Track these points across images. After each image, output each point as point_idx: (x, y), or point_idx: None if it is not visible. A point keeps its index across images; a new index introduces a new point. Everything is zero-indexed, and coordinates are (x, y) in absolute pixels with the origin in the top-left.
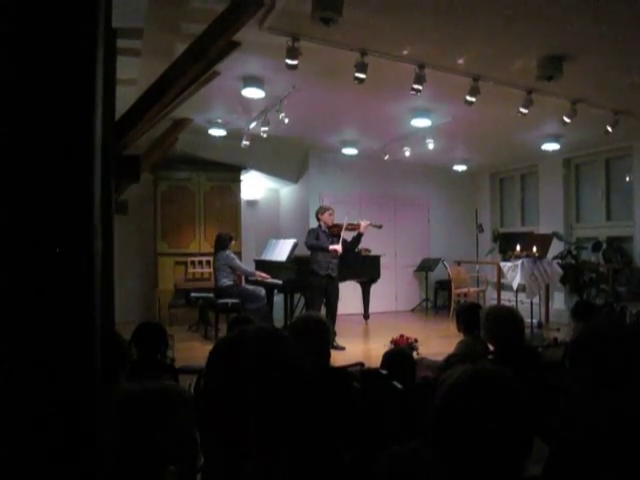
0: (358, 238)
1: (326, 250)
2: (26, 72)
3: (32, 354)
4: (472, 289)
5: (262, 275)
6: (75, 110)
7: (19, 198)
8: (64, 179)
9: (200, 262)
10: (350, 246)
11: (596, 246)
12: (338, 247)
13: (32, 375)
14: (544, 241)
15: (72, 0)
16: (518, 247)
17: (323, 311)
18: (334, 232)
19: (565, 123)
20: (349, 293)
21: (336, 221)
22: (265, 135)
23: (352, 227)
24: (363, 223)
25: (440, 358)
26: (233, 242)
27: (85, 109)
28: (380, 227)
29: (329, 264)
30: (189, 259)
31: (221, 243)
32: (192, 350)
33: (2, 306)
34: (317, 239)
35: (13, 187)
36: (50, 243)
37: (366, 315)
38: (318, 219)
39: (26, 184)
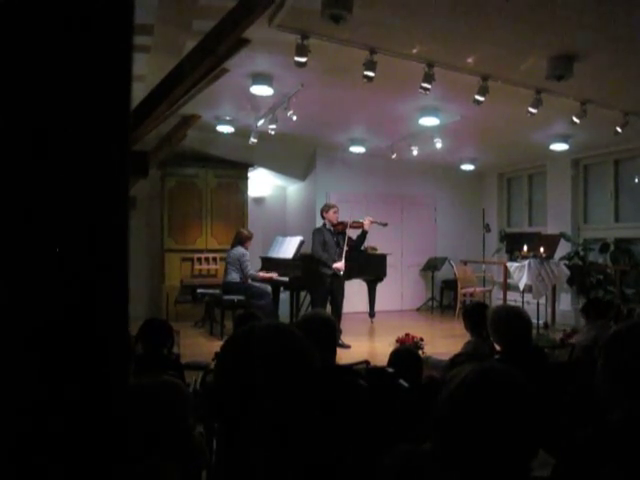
0: (363, 236)
1: (329, 268)
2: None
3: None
4: (478, 289)
5: (266, 276)
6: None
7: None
8: (99, 177)
9: (207, 259)
10: (356, 244)
11: (604, 247)
12: (341, 265)
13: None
14: (551, 242)
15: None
16: (525, 247)
17: (328, 309)
18: (339, 230)
19: (574, 123)
20: (355, 291)
21: (341, 219)
22: (273, 132)
23: (357, 225)
24: (367, 221)
25: (446, 357)
26: (249, 241)
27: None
28: (385, 225)
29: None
30: (196, 255)
31: (237, 239)
32: (198, 346)
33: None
34: (323, 242)
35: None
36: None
37: (372, 314)
38: (323, 217)
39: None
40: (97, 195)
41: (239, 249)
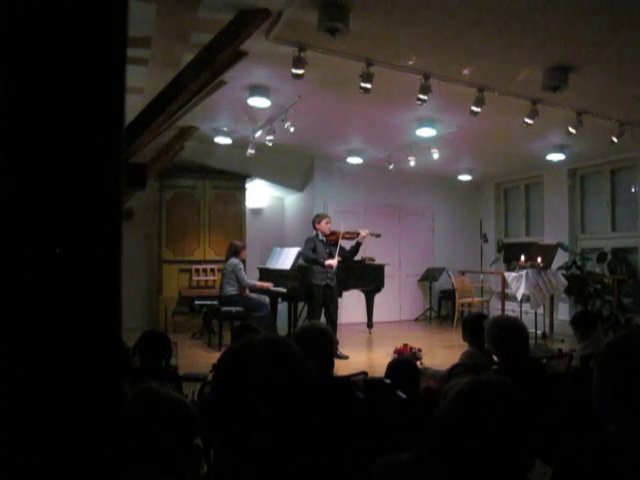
0: (356, 248)
1: (321, 265)
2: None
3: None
4: (476, 299)
5: (264, 285)
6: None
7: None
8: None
9: (204, 270)
10: (348, 255)
11: (601, 257)
12: (333, 262)
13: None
14: (549, 251)
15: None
16: (522, 257)
17: (323, 319)
18: (331, 240)
19: (570, 134)
20: (353, 302)
21: (334, 228)
22: (270, 144)
23: (350, 236)
24: (362, 232)
25: (444, 368)
26: (244, 251)
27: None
28: (379, 236)
29: (327, 274)
30: (193, 267)
31: (231, 250)
32: (195, 358)
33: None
34: (314, 250)
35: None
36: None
37: (370, 324)
38: (315, 228)
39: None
40: (90, 205)
41: (233, 260)
